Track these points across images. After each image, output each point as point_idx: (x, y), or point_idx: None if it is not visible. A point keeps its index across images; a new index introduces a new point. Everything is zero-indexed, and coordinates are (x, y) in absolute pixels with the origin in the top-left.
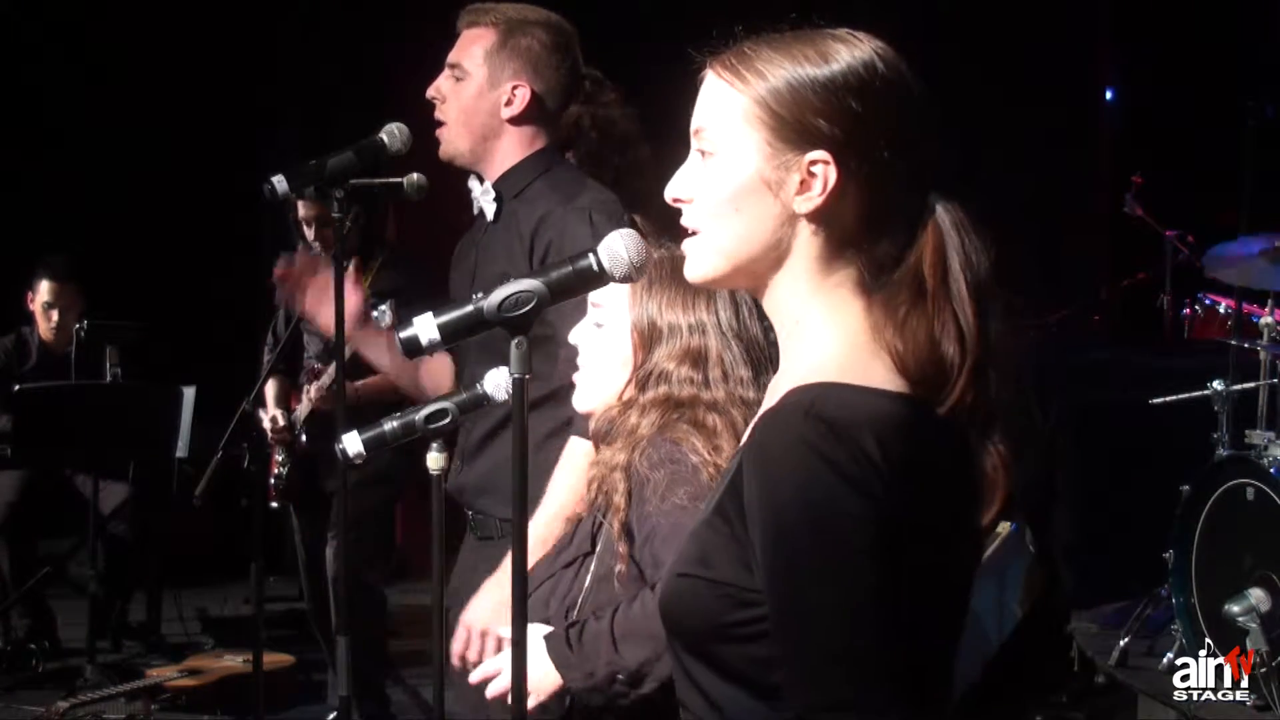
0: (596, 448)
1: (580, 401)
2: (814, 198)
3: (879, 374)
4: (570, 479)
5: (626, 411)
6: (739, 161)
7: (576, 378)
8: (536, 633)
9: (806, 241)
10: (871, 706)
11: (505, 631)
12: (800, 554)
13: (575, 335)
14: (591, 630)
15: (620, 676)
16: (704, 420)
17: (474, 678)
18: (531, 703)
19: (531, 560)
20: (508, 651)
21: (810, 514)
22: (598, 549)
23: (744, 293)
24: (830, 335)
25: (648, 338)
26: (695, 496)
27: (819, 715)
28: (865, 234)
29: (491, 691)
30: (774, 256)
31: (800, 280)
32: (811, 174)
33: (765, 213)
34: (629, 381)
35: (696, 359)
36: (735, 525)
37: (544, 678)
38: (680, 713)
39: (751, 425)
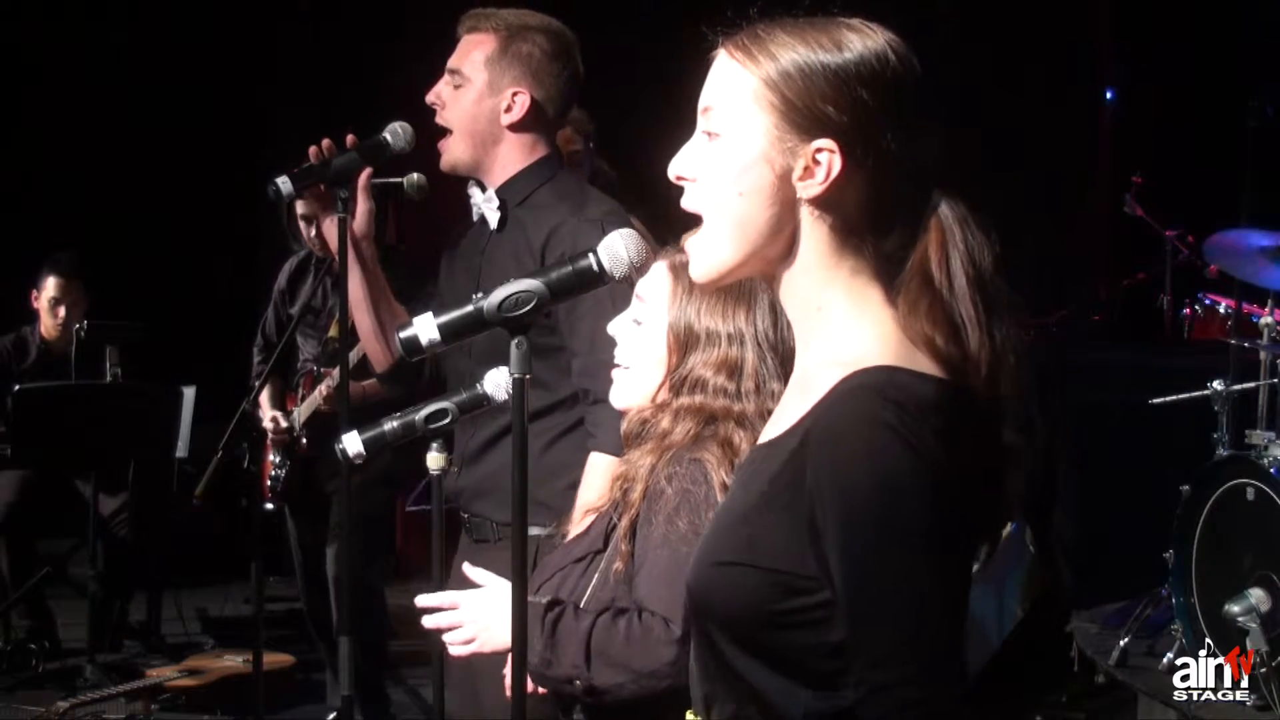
0: (629, 447)
1: (617, 398)
2: (816, 184)
3: (922, 361)
4: (594, 496)
5: (659, 414)
6: (745, 142)
7: (615, 374)
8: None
9: (811, 228)
10: (936, 682)
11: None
12: (879, 536)
13: (614, 328)
14: (568, 626)
15: (578, 683)
16: (731, 438)
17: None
18: (472, 650)
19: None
20: (466, 593)
21: (888, 496)
22: (608, 549)
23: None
24: (862, 322)
25: (684, 341)
26: (696, 529)
27: (890, 693)
28: (869, 224)
29: (430, 623)
30: (781, 244)
31: (813, 269)
32: (816, 161)
33: (768, 195)
34: (662, 383)
35: (732, 369)
36: (792, 512)
37: (498, 637)
38: (697, 691)
39: (792, 416)
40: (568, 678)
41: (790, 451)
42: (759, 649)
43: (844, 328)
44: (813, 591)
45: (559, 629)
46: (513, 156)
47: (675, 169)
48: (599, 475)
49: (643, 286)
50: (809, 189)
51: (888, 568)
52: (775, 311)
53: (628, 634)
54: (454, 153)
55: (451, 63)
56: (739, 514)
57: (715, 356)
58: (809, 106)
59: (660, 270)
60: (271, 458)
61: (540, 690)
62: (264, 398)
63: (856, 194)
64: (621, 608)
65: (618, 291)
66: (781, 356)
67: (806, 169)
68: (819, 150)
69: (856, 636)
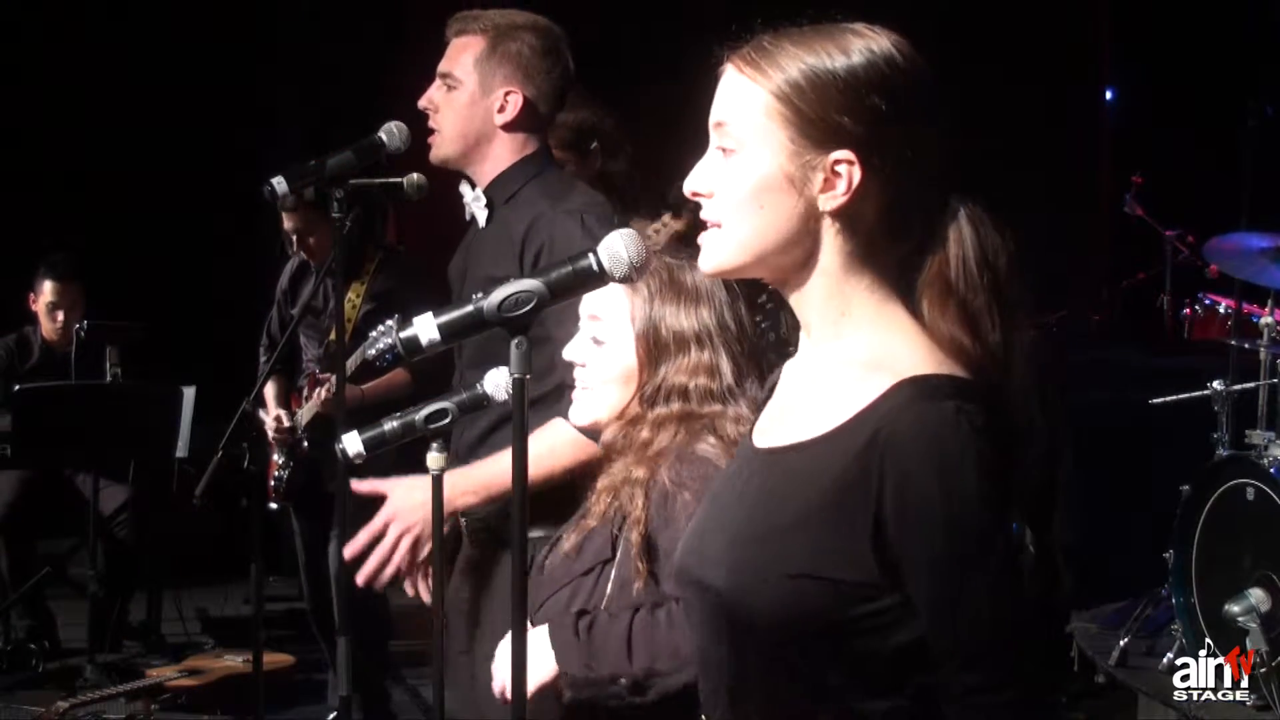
0: (609, 460)
1: (577, 416)
2: (838, 196)
3: (954, 366)
4: (538, 448)
5: (636, 426)
6: (762, 158)
7: (575, 394)
8: (538, 629)
9: (833, 240)
10: (1027, 681)
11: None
12: (975, 539)
13: (572, 351)
14: (604, 627)
15: (623, 681)
16: (726, 430)
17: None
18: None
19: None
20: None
21: (982, 501)
22: (618, 556)
23: (734, 283)
24: (891, 328)
25: (654, 351)
26: None
27: (986, 695)
28: (889, 230)
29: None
30: (799, 254)
31: (833, 279)
32: (836, 173)
33: (789, 210)
34: (634, 397)
35: (711, 371)
36: (856, 521)
37: (541, 669)
38: (712, 709)
39: (813, 415)
40: (612, 678)
41: (850, 457)
42: (821, 657)
43: (872, 332)
44: (878, 597)
45: (594, 633)
46: (503, 154)
47: (691, 185)
48: (553, 433)
49: (597, 306)
50: (830, 201)
51: (977, 573)
52: (732, 297)
53: (669, 621)
54: (444, 149)
55: (442, 66)
56: (790, 524)
57: (688, 363)
58: (823, 119)
59: (614, 286)
60: (276, 458)
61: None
62: (269, 396)
63: (876, 202)
64: (657, 601)
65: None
66: (746, 342)
67: (827, 181)
68: (838, 162)
69: (950, 640)
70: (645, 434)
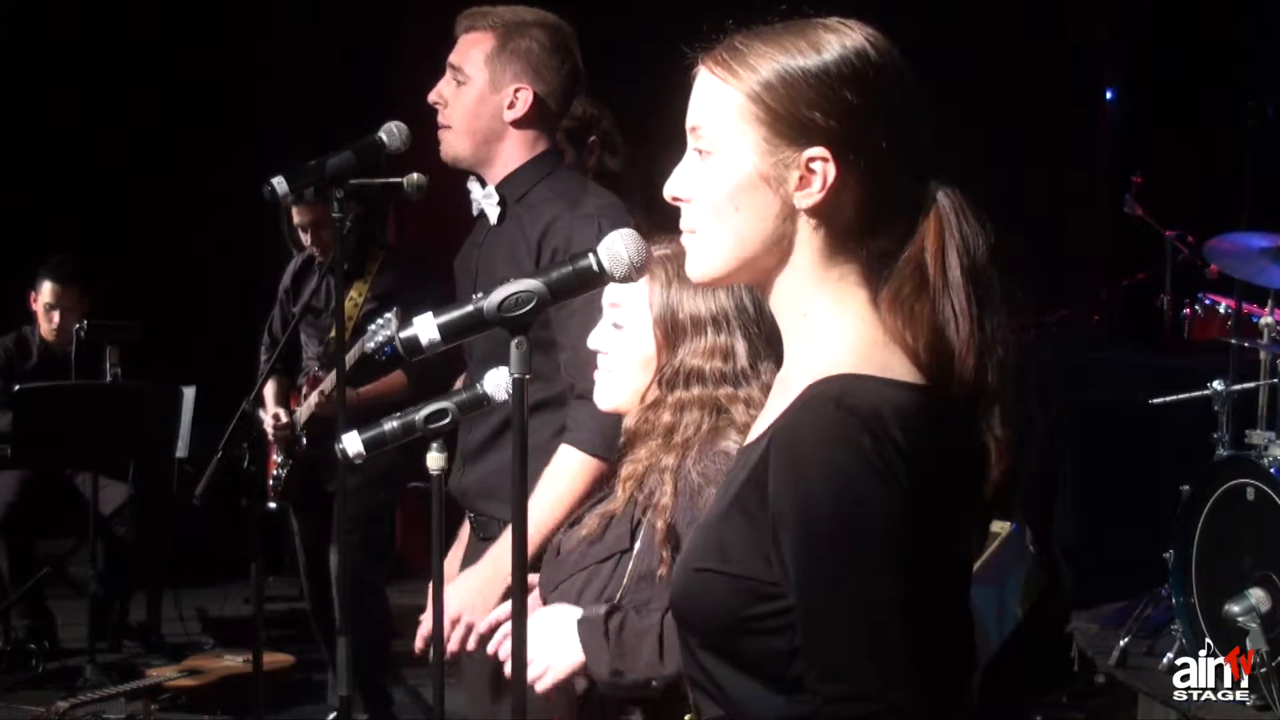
0: (632, 446)
1: (601, 399)
2: (814, 194)
3: (895, 365)
4: (559, 488)
5: (656, 411)
6: (737, 159)
7: (597, 376)
8: (568, 613)
9: (808, 236)
10: (895, 696)
11: (483, 616)
12: (831, 545)
13: (595, 339)
14: (634, 628)
15: (655, 684)
16: (749, 422)
17: (493, 646)
18: (549, 680)
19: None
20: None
21: (842, 505)
22: (636, 547)
23: None
24: (841, 328)
25: (672, 334)
26: None
27: (845, 706)
28: (867, 225)
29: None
30: (777, 253)
31: (804, 275)
32: (810, 170)
33: (765, 210)
34: (653, 381)
35: (726, 354)
36: (756, 518)
37: (567, 658)
38: (690, 694)
39: (770, 419)
40: (645, 680)
41: (757, 457)
42: (730, 654)
43: (825, 333)
44: (778, 597)
45: (624, 634)
46: (514, 152)
47: (670, 190)
48: (566, 469)
49: (617, 292)
50: (806, 199)
51: (841, 579)
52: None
53: None
54: (455, 147)
55: (452, 59)
56: (713, 519)
57: (704, 345)
58: (795, 116)
59: None
60: (275, 457)
61: (550, 698)
62: (268, 395)
63: (853, 196)
64: None
65: None
66: (765, 330)
67: (802, 179)
68: (812, 160)
69: (812, 647)
70: (667, 418)
